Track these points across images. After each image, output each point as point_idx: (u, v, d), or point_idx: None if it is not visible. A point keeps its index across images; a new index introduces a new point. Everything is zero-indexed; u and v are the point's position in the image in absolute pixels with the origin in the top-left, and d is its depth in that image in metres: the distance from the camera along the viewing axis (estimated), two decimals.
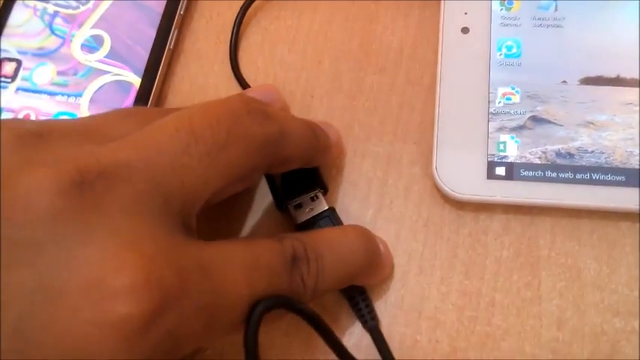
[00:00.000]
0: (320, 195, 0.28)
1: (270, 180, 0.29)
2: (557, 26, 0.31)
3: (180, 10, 0.34)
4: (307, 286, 0.23)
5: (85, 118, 0.23)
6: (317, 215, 0.28)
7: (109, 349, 0.17)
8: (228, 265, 0.20)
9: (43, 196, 0.18)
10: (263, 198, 0.30)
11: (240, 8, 0.34)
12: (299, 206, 0.28)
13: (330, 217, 0.28)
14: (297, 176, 0.28)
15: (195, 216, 0.22)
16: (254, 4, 0.34)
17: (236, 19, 0.34)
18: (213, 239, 0.22)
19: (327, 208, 0.28)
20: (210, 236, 0.21)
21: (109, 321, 0.17)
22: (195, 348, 0.20)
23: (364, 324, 0.27)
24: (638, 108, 0.29)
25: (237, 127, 0.22)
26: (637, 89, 0.29)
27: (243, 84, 0.33)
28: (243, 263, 0.21)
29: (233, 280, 0.20)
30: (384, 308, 0.28)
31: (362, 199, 0.30)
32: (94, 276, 0.17)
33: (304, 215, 0.28)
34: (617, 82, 0.29)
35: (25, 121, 0.21)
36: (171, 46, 0.33)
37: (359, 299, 0.27)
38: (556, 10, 0.31)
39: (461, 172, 0.29)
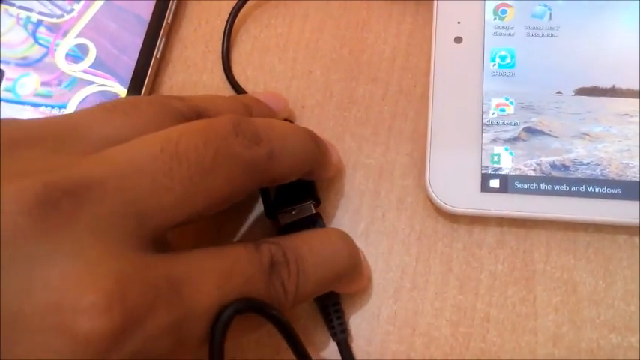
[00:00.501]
0: (311, 206, 0.28)
1: (263, 189, 0.28)
2: (552, 35, 0.30)
3: (168, 19, 0.33)
4: (288, 291, 0.22)
5: (67, 116, 0.22)
6: (302, 219, 0.27)
7: None
8: (200, 277, 0.20)
9: (4, 216, 0.17)
10: (252, 203, 0.30)
11: (229, 15, 0.33)
12: (286, 212, 0.28)
13: (316, 223, 0.27)
14: (292, 187, 0.27)
15: (171, 230, 0.21)
16: (243, 12, 0.33)
17: (226, 26, 0.33)
18: (197, 242, 0.21)
19: (313, 212, 0.28)
20: (191, 239, 0.20)
21: (69, 345, 0.16)
22: None
23: (333, 336, 0.27)
24: (633, 119, 0.29)
25: (223, 150, 0.21)
26: (632, 100, 0.29)
27: (238, 90, 0.32)
28: (215, 273, 0.20)
29: (205, 292, 0.20)
30: (377, 324, 0.27)
31: (354, 211, 0.30)
32: (54, 299, 0.17)
33: (289, 217, 0.27)
34: (613, 92, 0.29)
35: (1, 123, 0.20)
36: (159, 55, 0.33)
37: (331, 310, 0.27)
38: (550, 18, 0.31)
39: (454, 185, 0.28)
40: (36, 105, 0.31)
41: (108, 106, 0.22)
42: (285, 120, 0.30)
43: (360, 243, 0.28)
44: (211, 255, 0.21)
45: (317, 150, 0.26)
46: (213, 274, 0.20)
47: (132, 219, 0.19)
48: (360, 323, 0.28)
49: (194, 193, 0.20)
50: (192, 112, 0.24)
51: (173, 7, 0.33)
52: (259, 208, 0.30)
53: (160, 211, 0.19)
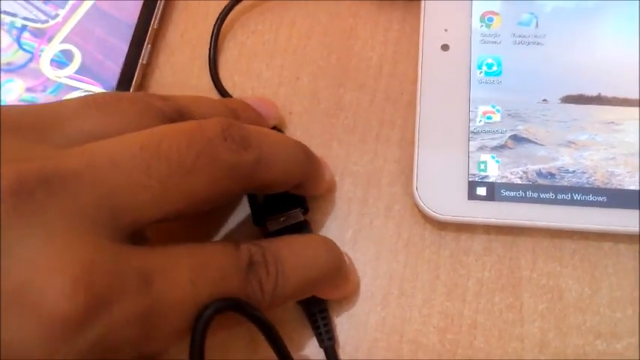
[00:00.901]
0: (300, 213, 0.28)
1: (251, 195, 0.28)
2: (538, 44, 0.30)
3: (154, 24, 0.33)
4: (265, 291, 0.22)
5: (49, 106, 0.22)
6: (289, 226, 0.27)
7: (32, 355, 0.17)
8: (173, 270, 0.20)
9: None
10: (240, 210, 0.29)
11: (216, 20, 0.33)
12: (275, 219, 0.28)
13: (303, 230, 0.27)
14: (280, 195, 0.27)
15: (153, 227, 0.21)
16: (230, 17, 0.33)
17: (213, 32, 0.33)
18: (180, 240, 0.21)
19: (302, 219, 0.27)
20: (175, 240, 0.21)
21: (34, 324, 0.17)
22: (136, 356, 0.20)
23: (320, 343, 0.27)
24: (619, 127, 0.29)
25: (207, 152, 0.21)
26: (618, 108, 0.29)
27: (226, 96, 0.32)
28: (189, 267, 0.20)
29: (177, 286, 0.20)
30: (365, 331, 0.27)
31: (342, 218, 0.29)
32: (23, 280, 0.17)
33: (277, 224, 0.27)
34: (599, 100, 0.29)
35: None
36: (145, 61, 0.32)
37: (318, 317, 0.27)
38: (537, 26, 0.31)
39: (441, 193, 0.28)
40: None
41: (89, 101, 0.22)
42: (275, 127, 0.30)
43: (347, 250, 0.28)
44: (187, 250, 0.21)
45: (308, 163, 0.26)
46: (186, 269, 0.20)
47: (106, 211, 0.19)
48: (347, 330, 0.28)
49: (173, 192, 0.20)
50: (175, 112, 0.23)
51: (159, 12, 0.33)
52: (247, 213, 0.29)
53: (136, 206, 0.20)
